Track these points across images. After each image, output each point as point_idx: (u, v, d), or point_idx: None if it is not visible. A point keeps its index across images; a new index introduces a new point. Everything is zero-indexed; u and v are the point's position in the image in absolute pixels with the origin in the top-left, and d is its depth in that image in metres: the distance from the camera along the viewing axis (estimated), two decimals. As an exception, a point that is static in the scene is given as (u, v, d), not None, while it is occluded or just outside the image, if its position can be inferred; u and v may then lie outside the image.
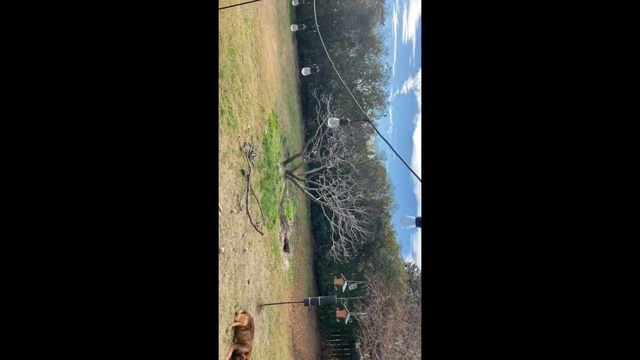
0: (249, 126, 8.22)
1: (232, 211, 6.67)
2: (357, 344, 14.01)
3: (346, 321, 11.57)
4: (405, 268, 21.36)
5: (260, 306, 7.79)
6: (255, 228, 7.64)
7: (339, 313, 11.66)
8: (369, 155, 19.94)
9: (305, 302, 7.65)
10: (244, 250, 7.16)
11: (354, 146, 13.59)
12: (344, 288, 11.19)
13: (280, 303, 8.26)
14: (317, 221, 18.86)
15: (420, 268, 23.64)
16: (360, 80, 20.37)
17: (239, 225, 7.00)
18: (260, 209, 8.40)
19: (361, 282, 12.65)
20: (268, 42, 11.50)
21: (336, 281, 11.36)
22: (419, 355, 11.96)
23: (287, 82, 14.74)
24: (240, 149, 7.46)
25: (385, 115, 21.25)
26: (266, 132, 9.91)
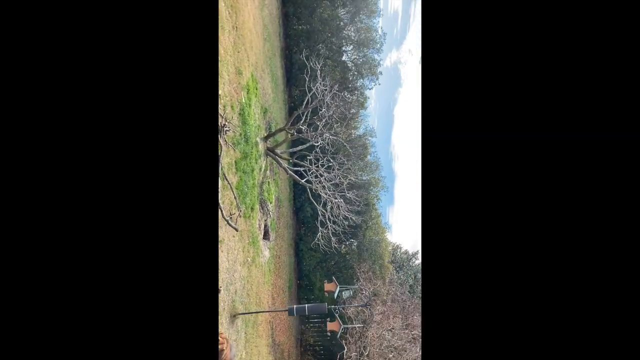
0: (221, 92, 6.41)
1: (196, 205, 5.03)
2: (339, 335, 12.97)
3: (338, 335, 10.40)
4: (390, 249, 20.63)
5: (234, 316, 6.40)
6: (228, 223, 6.07)
7: (331, 325, 10.37)
8: (354, 131, 18.31)
9: (290, 312, 6.33)
10: (214, 252, 5.62)
11: (346, 121, 11.94)
12: (336, 294, 9.85)
13: (257, 312, 6.89)
14: (300, 201, 17.43)
15: (402, 247, 23.22)
16: (351, 47, 18.33)
17: (207, 222, 5.40)
18: (235, 197, 6.79)
19: (356, 286, 11.37)
20: (247, -12, 9.36)
21: (327, 286, 10.02)
22: (409, 345, 11.17)
23: (269, 42, 12.63)
24: (209, 121, 5.70)
25: (370, 89, 19.32)
26: (244, 101, 8.09)
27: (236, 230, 6.48)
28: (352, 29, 18.18)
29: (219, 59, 6.49)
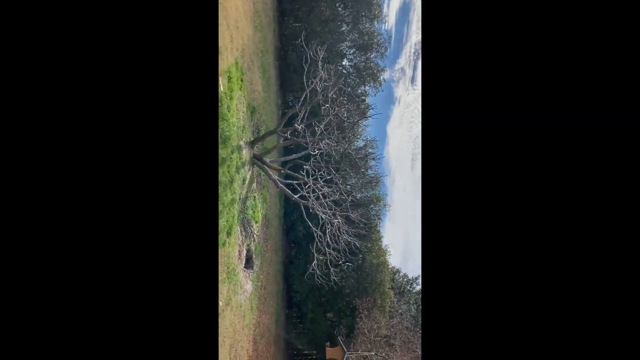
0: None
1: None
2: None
3: None
4: (389, 273, 18.56)
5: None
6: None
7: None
8: (356, 142, 16.49)
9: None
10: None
11: (351, 128, 10.10)
12: (343, 363, 7.69)
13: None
14: (291, 220, 15.34)
15: (401, 271, 21.22)
16: (353, 50, 16.74)
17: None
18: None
19: (373, 352, 9.22)
20: (235, -45, 7.59)
21: (329, 352, 7.90)
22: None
23: (261, 33, 10.86)
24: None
25: (374, 95, 17.50)
26: (222, 89, 6.16)
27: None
28: (354, 31, 16.62)
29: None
